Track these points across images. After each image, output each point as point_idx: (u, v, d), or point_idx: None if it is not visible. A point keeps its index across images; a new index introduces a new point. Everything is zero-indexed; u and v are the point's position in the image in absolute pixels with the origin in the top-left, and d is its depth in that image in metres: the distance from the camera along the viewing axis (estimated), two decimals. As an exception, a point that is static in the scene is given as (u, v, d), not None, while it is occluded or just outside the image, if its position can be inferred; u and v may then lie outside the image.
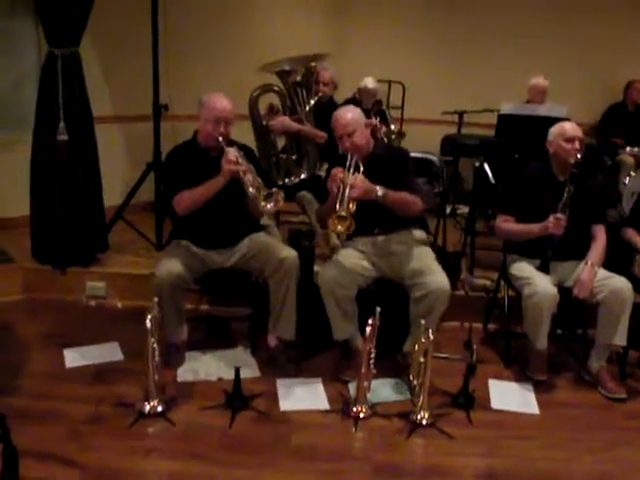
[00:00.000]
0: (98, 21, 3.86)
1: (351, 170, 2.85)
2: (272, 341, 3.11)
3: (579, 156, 2.98)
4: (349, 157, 2.91)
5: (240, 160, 2.87)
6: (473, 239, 4.16)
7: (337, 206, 2.74)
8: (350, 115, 2.99)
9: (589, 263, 3.01)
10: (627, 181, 4.92)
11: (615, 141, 5.68)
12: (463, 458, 2.49)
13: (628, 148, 5.41)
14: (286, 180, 3.94)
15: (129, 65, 4.53)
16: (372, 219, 2.97)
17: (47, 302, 3.71)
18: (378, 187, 2.83)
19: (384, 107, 5.45)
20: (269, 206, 2.80)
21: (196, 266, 3.01)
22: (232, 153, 2.88)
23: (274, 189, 2.80)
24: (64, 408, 2.64)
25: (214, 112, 2.93)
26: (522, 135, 4.18)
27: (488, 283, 3.75)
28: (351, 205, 2.75)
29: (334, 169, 2.88)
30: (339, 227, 2.75)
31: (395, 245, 3.03)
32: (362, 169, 2.88)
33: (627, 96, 5.99)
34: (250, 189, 2.82)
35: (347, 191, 2.75)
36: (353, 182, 2.79)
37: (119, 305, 3.69)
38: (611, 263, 3.14)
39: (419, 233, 3.14)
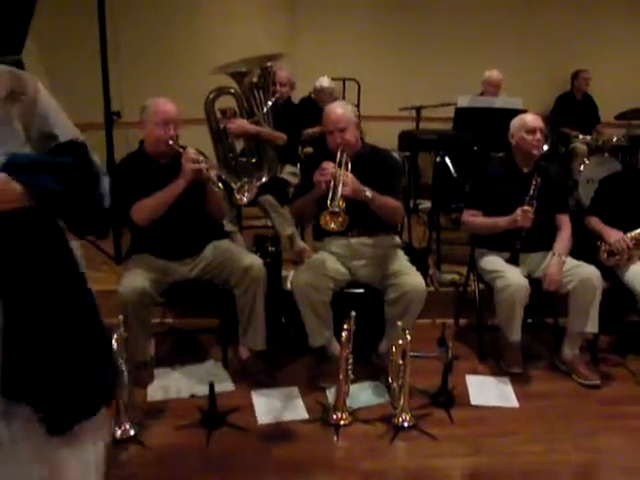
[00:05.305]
0: (42, 25, 3.69)
1: (342, 166, 2.77)
2: (244, 353, 3.02)
3: (545, 147, 3.00)
4: (339, 153, 2.82)
5: (200, 158, 2.78)
6: (438, 234, 4.16)
7: (328, 202, 2.66)
8: (343, 110, 2.90)
9: (556, 254, 3.04)
10: (582, 169, 5.04)
11: (567, 130, 5.79)
12: (448, 459, 2.46)
13: (581, 136, 5.52)
14: (247, 184, 3.84)
15: (77, 70, 4.36)
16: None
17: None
18: (366, 188, 2.77)
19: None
20: (245, 197, 2.72)
21: (160, 279, 2.89)
22: (191, 152, 2.78)
23: (245, 179, 2.72)
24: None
25: (161, 115, 2.82)
26: (480, 127, 4.20)
27: (457, 278, 3.75)
28: (341, 202, 2.67)
29: (325, 162, 2.78)
30: (332, 224, 2.66)
31: (369, 248, 2.97)
32: (350, 167, 2.81)
33: (575, 86, 6.13)
34: (220, 186, 2.75)
35: (340, 187, 2.68)
36: (345, 179, 2.71)
37: (80, 324, 3.52)
38: (575, 251, 3.17)
39: (393, 237, 3.10)
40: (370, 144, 3.11)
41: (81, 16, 4.14)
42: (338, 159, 2.80)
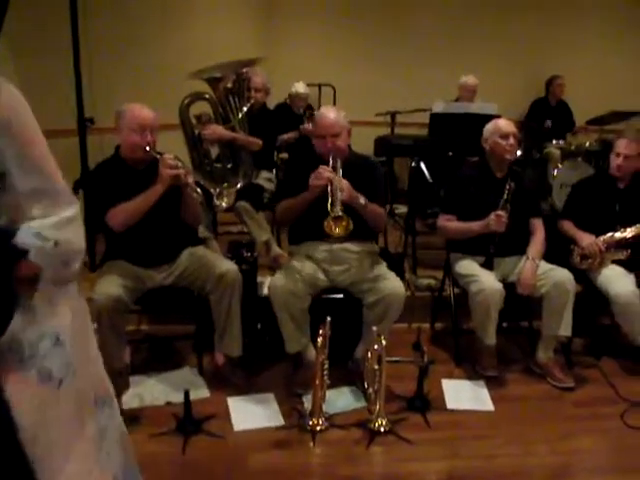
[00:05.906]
0: (13, 31, 3.61)
1: (336, 172, 2.78)
2: (219, 359, 3.01)
3: (519, 153, 3.03)
4: (331, 159, 2.82)
5: (178, 164, 2.77)
6: (414, 239, 4.17)
7: (329, 207, 2.67)
8: (336, 116, 2.89)
9: (530, 258, 3.07)
10: (556, 173, 5.11)
11: (537, 136, 5.85)
12: (424, 463, 2.47)
13: (554, 141, 5.59)
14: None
15: (49, 77, 4.29)
16: None
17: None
18: (359, 194, 2.78)
19: (315, 112, 5.42)
20: (224, 203, 2.71)
21: (135, 286, 2.86)
22: (169, 158, 2.76)
23: (224, 184, 2.71)
24: None
25: (137, 120, 2.79)
26: (455, 133, 4.23)
27: (432, 282, 3.77)
28: (340, 207, 2.68)
29: (321, 167, 2.77)
30: (337, 229, 2.68)
31: (351, 254, 2.95)
32: (341, 173, 2.81)
33: (550, 92, 6.20)
34: (198, 191, 2.74)
35: (338, 192, 2.68)
36: (341, 184, 2.71)
37: (53, 332, 3.46)
38: (548, 255, 3.20)
39: (374, 243, 3.12)
40: (355, 151, 3.13)
41: (53, 21, 4.08)
42: (331, 164, 2.80)
